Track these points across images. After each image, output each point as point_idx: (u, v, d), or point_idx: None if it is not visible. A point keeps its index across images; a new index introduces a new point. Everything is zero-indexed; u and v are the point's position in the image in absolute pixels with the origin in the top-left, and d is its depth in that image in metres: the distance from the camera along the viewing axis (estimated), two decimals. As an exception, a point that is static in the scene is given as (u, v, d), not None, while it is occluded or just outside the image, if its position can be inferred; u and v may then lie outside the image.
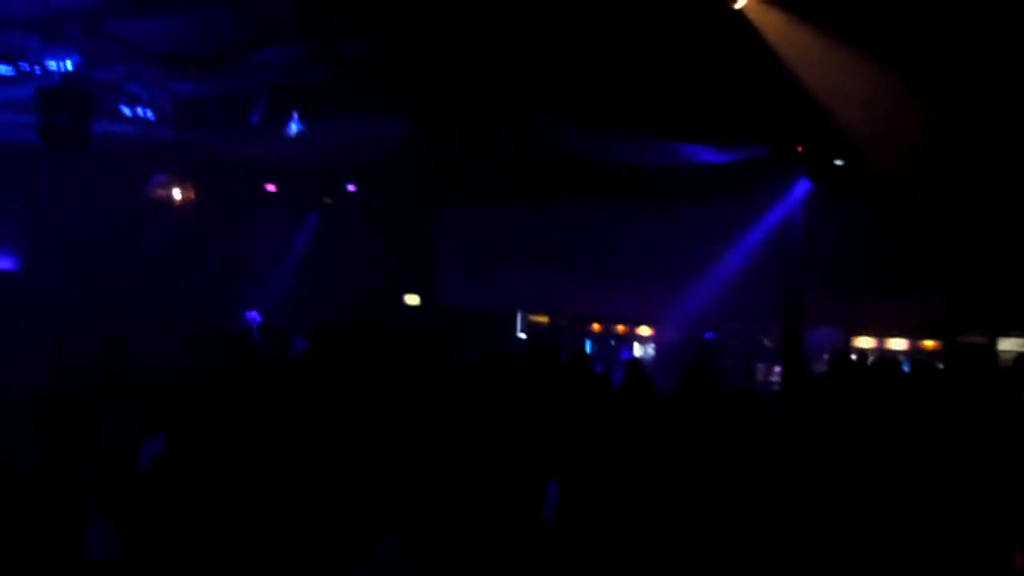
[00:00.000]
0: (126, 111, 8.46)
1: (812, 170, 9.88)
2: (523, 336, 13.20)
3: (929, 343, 11.23)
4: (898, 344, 11.55)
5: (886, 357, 9.78)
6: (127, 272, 10.95)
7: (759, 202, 10.80)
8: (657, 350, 12.26)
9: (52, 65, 7.53)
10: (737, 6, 6.38)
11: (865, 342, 11.68)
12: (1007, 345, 9.00)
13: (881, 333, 11.64)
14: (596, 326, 12.96)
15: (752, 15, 6.54)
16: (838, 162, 9.55)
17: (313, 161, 10.69)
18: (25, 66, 7.52)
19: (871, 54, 6.79)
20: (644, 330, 12.66)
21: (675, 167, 9.95)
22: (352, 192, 13.17)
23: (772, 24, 6.70)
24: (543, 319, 13.39)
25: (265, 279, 13.01)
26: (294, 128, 8.79)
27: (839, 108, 7.97)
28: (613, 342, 12.64)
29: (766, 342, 11.89)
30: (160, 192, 12.10)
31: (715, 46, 7.13)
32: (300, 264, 13.74)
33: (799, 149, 9.91)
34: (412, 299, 13.95)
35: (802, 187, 10.46)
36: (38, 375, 4.91)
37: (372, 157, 10.51)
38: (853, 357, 9.69)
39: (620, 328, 12.80)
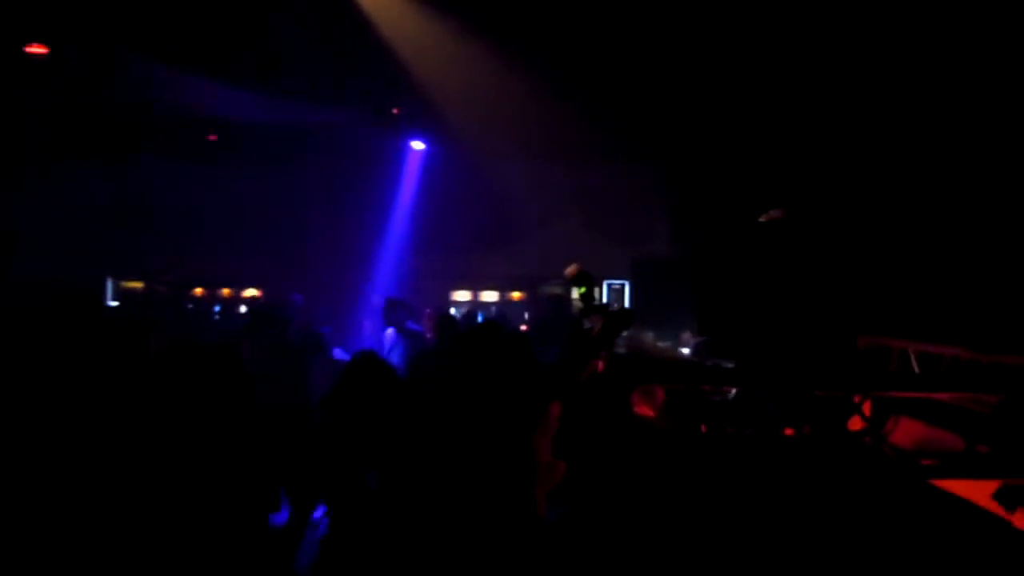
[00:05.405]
0: None
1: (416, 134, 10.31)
2: (114, 304, 12.01)
3: (516, 294, 12.49)
4: (490, 296, 12.66)
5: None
6: None
7: (367, 165, 11.01)
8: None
9: None
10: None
11: (462, 295, 12.61)
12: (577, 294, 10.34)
13: (476, 286, 12.66)
14: (199, 290, 12.26)
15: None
16: (396, 111, 10.05)
17: None
18: None
19: (468, 28, 7.23)
20: (251, 292, 12.27)
21: (283, 129, 9.75)
22: None
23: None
24: (137, 285, 12.32)
25: None
26: None
27: (434, 76, 8.40)
28: (217, 308, 12.06)
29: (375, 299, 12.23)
30: None
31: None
32: None
33: (395, 111, 10.30)
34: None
35: (411, 150, 10.87)
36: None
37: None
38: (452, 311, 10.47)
39: (225, 292, 12.25)
